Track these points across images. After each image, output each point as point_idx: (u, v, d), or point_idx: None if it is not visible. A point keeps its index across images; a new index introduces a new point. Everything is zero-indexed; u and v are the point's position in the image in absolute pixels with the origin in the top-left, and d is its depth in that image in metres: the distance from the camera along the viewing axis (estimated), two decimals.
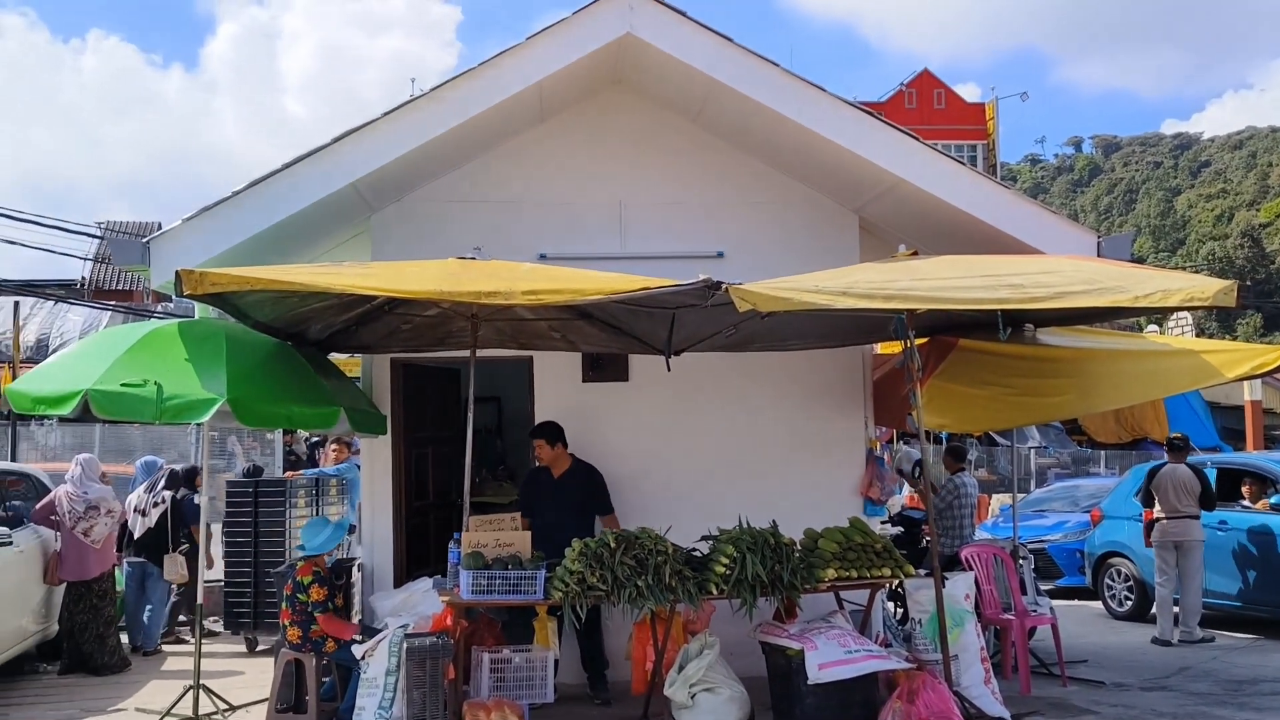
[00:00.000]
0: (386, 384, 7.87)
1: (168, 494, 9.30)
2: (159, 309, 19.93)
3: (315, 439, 13.61)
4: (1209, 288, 5.38)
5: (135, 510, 9.26)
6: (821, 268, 6.51)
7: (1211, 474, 10.19)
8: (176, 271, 5.21)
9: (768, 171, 8.04)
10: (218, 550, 9.28)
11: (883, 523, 9.58)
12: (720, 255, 7.80)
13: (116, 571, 8.77)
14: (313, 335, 7.11)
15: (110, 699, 7.43)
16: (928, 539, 8.65)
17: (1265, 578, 9.61)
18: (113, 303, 22.30)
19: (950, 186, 7.13)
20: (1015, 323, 7.01)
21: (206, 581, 7.72)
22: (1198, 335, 24.10)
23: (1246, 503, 10.20)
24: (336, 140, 6.95)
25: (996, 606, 7.72)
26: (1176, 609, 9.52)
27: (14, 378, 10.72)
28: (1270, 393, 20.89)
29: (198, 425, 6.28)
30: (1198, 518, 9.47)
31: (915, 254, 6.66)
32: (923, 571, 7.05)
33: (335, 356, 8.15)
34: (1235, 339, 44.88)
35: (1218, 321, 49.78)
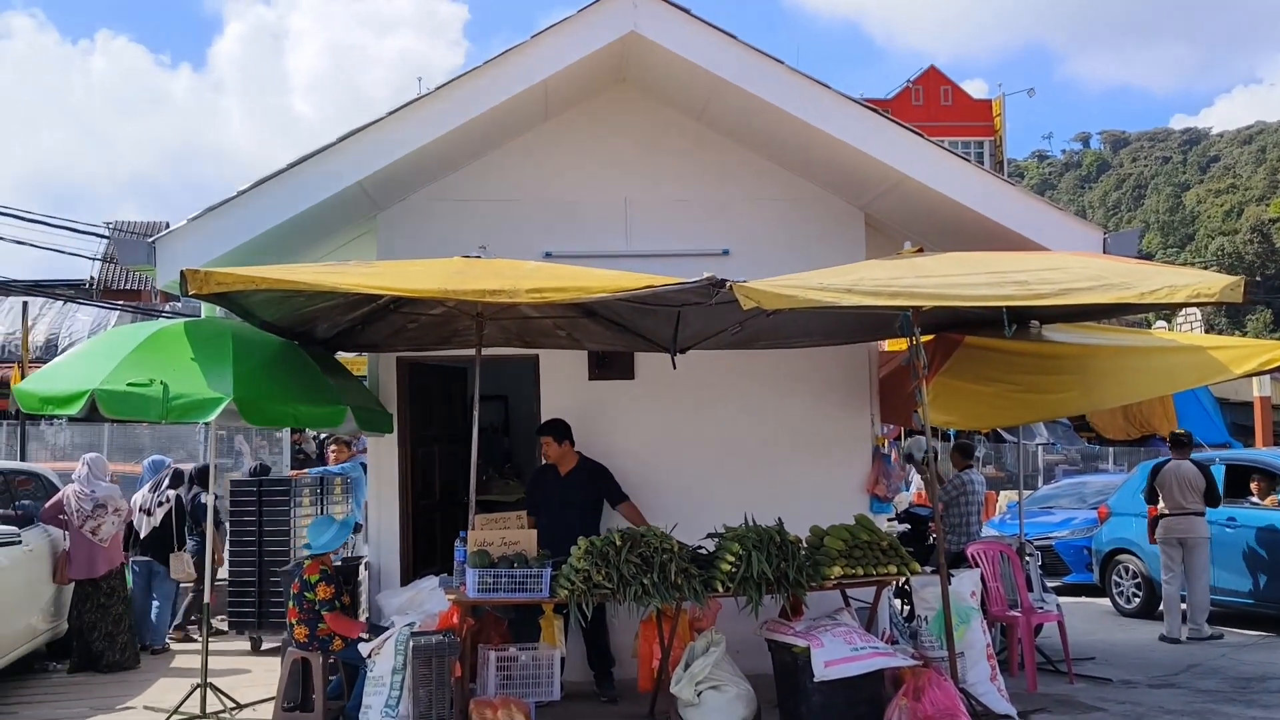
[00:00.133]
0: (393, 383, 7.89)
1: (172, 493, 9.32)
2: (167, 308, 19.99)
3: (325, 437, 13.64)
4: (1215, 283, 5.36)
5: (140, 510, 9.28)
6: (827, 265, 6.51)
7: (1220, 470, 10.17)
8: (181, 271, 5.23)
9: (773, 169, 8.03)
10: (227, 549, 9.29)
11: (889, 520, 9.58)
12: (726, 253, 7.79)
13: (125, 570, 8.81)
14: (319, 334, 7.13)
15: (119, 697, 7.47)
16: (935, 536, 8.64)
17: (1274, 575, 9.58)
18: (121, 302, 22.35)
19: (955, 183, 7.12)
20: (1021, 319, 7.00)
21: (214, 581, 7.75)
22: (1207, 331, 24.01)
23: (1255, 499, 10.16)
24: (342, 139, 6.97)
25: (1003, 603, 7.71)
26: (1184, 606, 9.49)
27: (23, 378, 10.75)
28: (1279, 389, 20.81)
29: (205, 424, 6.30)
30: (1203, 514, 9.43)
31: (921, 250, 6.66)
32: (929, 569, 7.05)
33: (342, 355, 8.17)
34: (1245, 335, 44.76)
35: (1227, 317, 49.62)
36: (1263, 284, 54.85)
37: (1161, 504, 9.58)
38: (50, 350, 18.31)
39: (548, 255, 7.60)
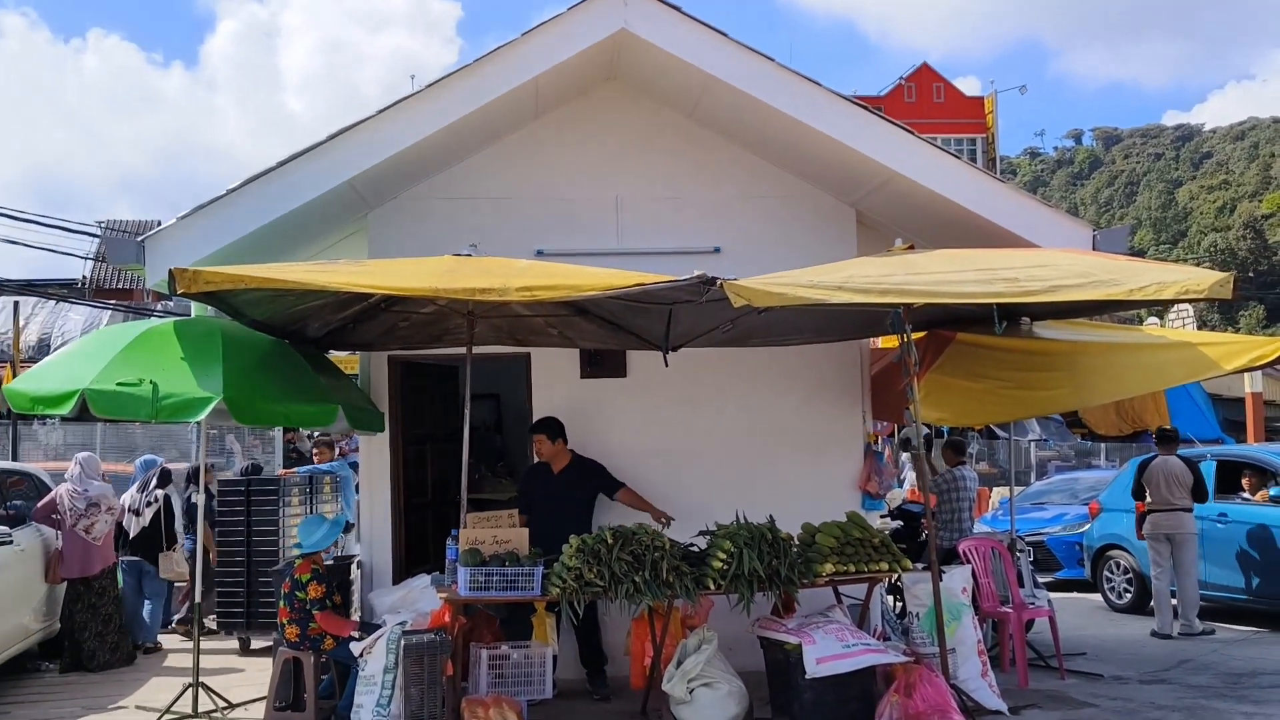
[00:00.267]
0: (384, 381, 7.88)
1: (160, 493, 9.29)
2: (159, 308, 19.92)
3: (319, 435, 13.63)
4: (1204, 280, 5.36)
5: (129, 510, 9.25)
6: (819, 262, 6.51)
7: (1212, 466, 10.20)
8: (169, 270, 5.22)
9: (764, 166, 8.03)
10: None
11: (882, 516, 9.59)
12: (717, 250, 7.80)
13: (116, 570, 8.79)
14: (310, 333, 7.12)
15: (111, 697, 7.45)
16: (927, 532, 8.65)
17: (1265, 571, 9.61)
18: (113, 302, 22.27)
19: (945, 180, 7.13)
20: (1011, 316, 7.02)
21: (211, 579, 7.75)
22: (1200, 328, 24.07)
23: (1247, 495, 10.19)
24: (332, 137, 6.95)
25: (994, 599, 7.73)
26: (1175, 601, 9.52)
27: (14, 377, 10.73)
28: (1271, 384, 20.86)
29: (197, 424, 6.29)
30: (1190, 510, 9.45)
31: (912, 248, 6.66)
32: (920, 565, 7.06)
33: (334, 354, 8.16)
34: (1238, 331, 44.86)
35: (1220, 314, 49.68)
36: (1255, 280, 54.98)
37: (1149, 499, 9.60)
38: (42, 350, 18.24)
39: (539, 253, 7.60)
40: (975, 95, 50.88)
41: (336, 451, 10.35)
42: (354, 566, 8.10)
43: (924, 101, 47.64)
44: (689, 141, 8.01)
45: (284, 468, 12.71)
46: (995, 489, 16.39)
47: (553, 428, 7.26)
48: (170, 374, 6.13)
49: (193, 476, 9.52)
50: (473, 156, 7.89)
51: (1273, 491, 9.79)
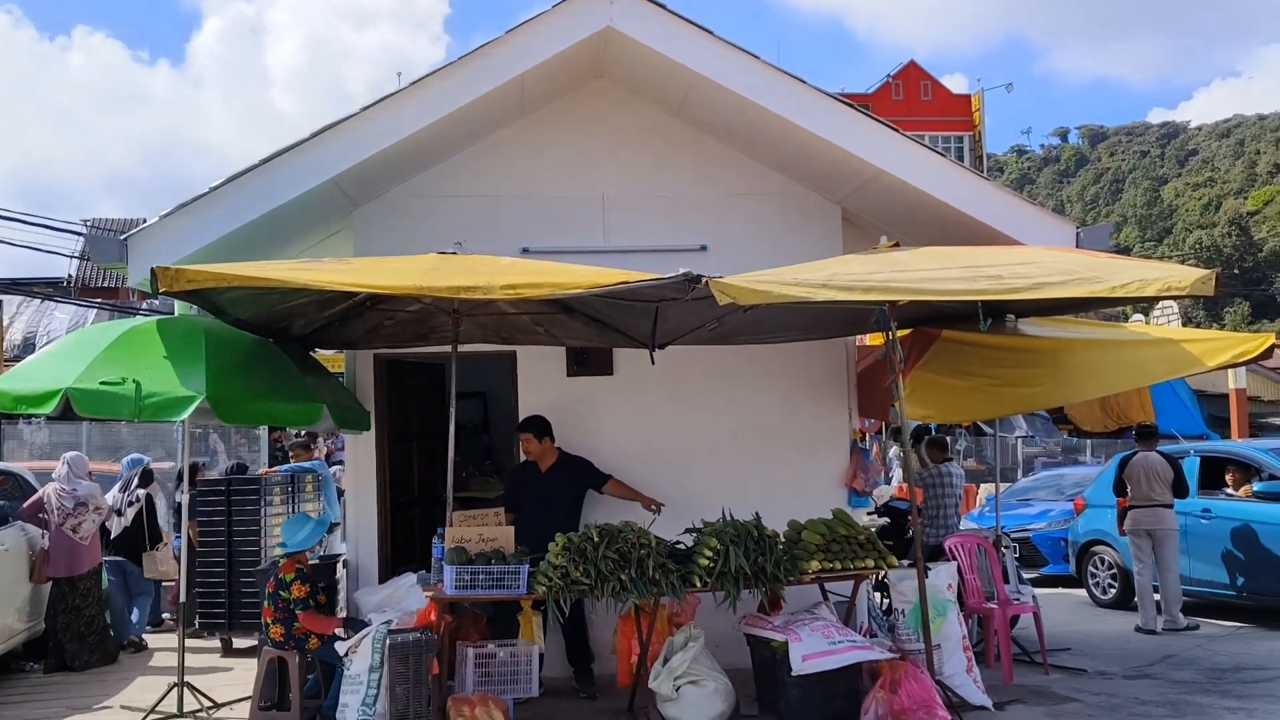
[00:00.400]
0: (370, 380, 7.86)
1: (142, 492, 9.24)
2: (144, 307, 19.83)
3: (296, 437, 13.58)
4: (1186, 277, 5.38)
5: (112, 510, 9.20)
6: (805, 259, 6.52)
7: (1195, 462, 10.25)
8: (152, 269, 5.19)
9: (750, 164, 8.04)
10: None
11: (869, 513, 9.62)
12: (703, 248, 7.81)
13: (102, 570, 8.75)
14: (295, 331, 7.09)
15: (96, 697, 7.42)
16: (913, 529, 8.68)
17: (1249, 566, 9.66)
18: (99, 301, 22.19)
19: (930, 178, 7.15)
20: (996, 314, 7.04)
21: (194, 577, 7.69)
22: (1185, 324, 24.17)
23: (1231, 491, 10.24)
24: (316, 134, 6.92)
25: (979, 596, 7.76)
26: (1158, 597, 9.57)
27: None
28: (1255, 380, 20.99)
29: (181, 422, 6.27)
30: (1170, 506, 9.49)
31: (897, 245, 6.68)
32: (906, 562, 7.08)
33: (319, 353, 8.13)
34: (1223, 327, 45.09)
35: (1205, 310, 49.95)
36: (1240, 276, 55.31)
37: (1130, 495, 9.64)
38: (28, 349, 18.16)
39: (525, 251, 7.58)
40: (962, 93, 51.04)
41: (318, 453, 10.28)
42: (340, 565, 8.08)
43: (911, 99, 47.76)
44: (675, 139, 8.01)
45: (267, 467, 12.67)
46: (982, 485, 16.44)
47: (539, 426, 7.25)
48: (153, 373, 6.10)
49: (184, 476, 9.45)
50: (458, 154, 7.87)
51: (1256, 487, 9.83)
